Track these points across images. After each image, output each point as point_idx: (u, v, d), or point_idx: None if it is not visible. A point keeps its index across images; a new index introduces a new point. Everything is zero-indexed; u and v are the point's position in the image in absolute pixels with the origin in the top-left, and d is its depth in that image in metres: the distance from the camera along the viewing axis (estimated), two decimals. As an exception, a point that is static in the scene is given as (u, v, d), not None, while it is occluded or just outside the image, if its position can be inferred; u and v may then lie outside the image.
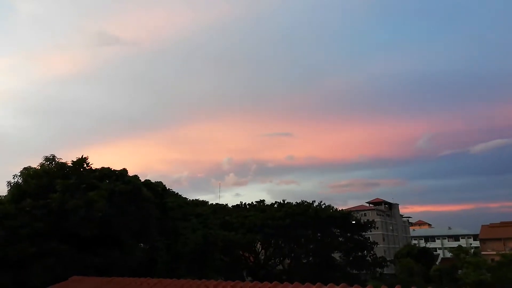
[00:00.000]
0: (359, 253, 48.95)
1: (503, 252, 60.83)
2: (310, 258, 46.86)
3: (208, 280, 11.37)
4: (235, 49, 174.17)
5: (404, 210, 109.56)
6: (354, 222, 51.01)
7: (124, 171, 23.02)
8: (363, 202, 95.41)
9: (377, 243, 54.76)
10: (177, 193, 31.42)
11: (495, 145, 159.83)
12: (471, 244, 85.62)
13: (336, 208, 50.93)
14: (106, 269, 17.58)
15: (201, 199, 42.98)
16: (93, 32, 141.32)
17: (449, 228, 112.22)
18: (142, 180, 24.55)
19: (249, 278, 42.11)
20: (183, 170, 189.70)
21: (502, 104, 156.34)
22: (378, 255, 54.06)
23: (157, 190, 25.88)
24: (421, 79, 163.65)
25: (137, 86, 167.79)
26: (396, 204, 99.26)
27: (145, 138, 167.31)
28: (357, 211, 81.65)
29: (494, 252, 65.12)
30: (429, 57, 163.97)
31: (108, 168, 22.96)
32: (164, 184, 28.13)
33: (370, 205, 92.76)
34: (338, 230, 49.58)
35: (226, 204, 50.98)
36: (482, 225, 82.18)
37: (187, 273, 21.83)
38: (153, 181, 26.83)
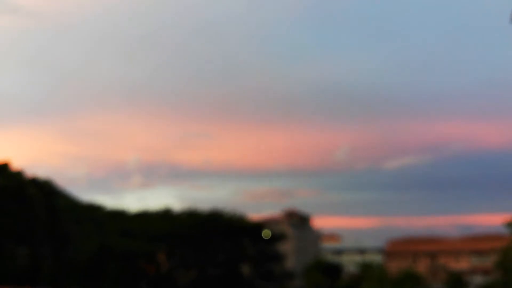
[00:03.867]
0: (268, 266, 50.92)
1: (405, 266, 68.03)
2: (217, 270, 47.55)
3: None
4: (155, 37, 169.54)
5: (317, 221, 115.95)
6: (266, 233, 52.95)
7: (6, 164, 21.50)
8: (277, 211, 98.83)
9: (287, 255, 57.55)
10: (70, 194, 29.95)
11: (405, 162, 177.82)
12: (376, 258, 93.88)
13: (249, 219, 52.47)
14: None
15: (99, 202, 41.19)
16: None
17: (357, 242, 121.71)
18: (29, 174, 23.16)
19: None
20: (80, 167, 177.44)
21: (413, 123, 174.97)
22: (288, 267, 56.83)
23: (46, 188, 24.48)
24: (342, 92, 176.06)
25: (32, 63, 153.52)
26: (309, 215, 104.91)
27: (37, 126, 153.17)
28: (270, 221, 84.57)
29: (396, 266, 72.44)
30: (352, 70, 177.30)
31: (-13, 160, 21.24)
32: (55, 182, 26.71)
33: (284, 215, 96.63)
34: (249, 241, 51.08)
35: (127, 209, 49.49)
36: (387, 240, 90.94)
37: (78, 284, 21.02)
38: (42, 177, 25.35)
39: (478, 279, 70.70)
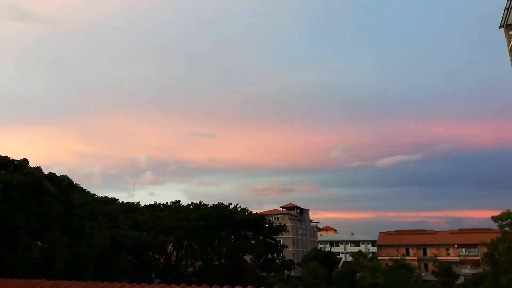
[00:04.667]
0: (270, 256, 50.60)
1: (395, 257, 67.75)
2: (222, 260, 47.21)
3: (111, 283, 10.88)
4: (162, 43, 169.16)
5: (314, 215, 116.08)
6: (267, 225, 52.62)
7: (25, 161, 20.99)
8: (277, 206, 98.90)
9: (286, 246, 57.14)
10: (85, 189, 29.44)
11: (396, 160, 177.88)
12: (369, 249, 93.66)
13: (251, 211, 52.06)
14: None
15: (112, 197, 40.66)
16: (2, 5, 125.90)
17: (352, 234, 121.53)
18: (46, 172, 22.59)
19: (157, 280, 41.04)
20: (94, 165, 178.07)
21: (404, 123, 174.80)
22: (287, 258, 56.46)
23: (62, 184, 23.96)
24: (338, 94, 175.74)
25: (48, 67, 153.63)
26: (307, 209, 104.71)
27: (53, 126, 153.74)
28: (271, 214, 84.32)
29: (388, 257, 72.19)
30: (347, 75, 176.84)
31: (5, 156, 20.73)
32: (71, 178, 26.20)
33: (283, 209, 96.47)
34: (251, 233, 50.72)
35: (138, 203, 49.03)
36: (380, 232, 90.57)
37: (91, 275, 20.54)
38: (58, 174, 24.83)
39: (467, 271, 70.37)
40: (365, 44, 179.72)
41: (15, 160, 20.78)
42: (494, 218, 47.20)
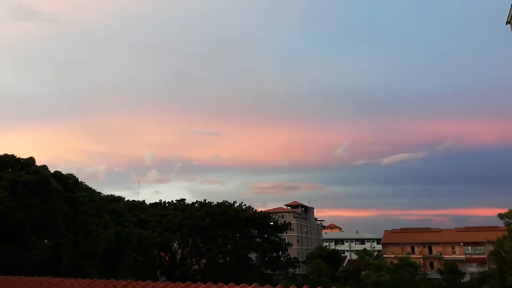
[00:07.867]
0: (274, 254, 50.64)
1: (400, 255, 67.58)
2: (227, 258, 47.34)
3: (116, 280, 10.97)
4: (167, 42, 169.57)
5: (318, 213, 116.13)
6: (272, 223, 52.65)
7: (31, 160, 21.19)
8: (282, 204, 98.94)
9: (291, 244, 57.14)
10: (91, 187, 29.67)
11: (401, 158, 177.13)
12: (374, 247, 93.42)
13: (255, 209, 52.09)
14: (2, 266, 15.98)
15: (117, 195, 40.87)
16: (7, 4, 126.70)
17: (357, 232, 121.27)
18: (52, 171, 22.81)
19: (163, 278, 41.29)
20: (100, 163, 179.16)
21: (409, 121, 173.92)
22: (292, 256, 56.48)
23: (67, 182, 24.19)
24: (343, 92, 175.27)
25: (53, 67, 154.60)
26: (312, 207, 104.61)
27: (58, 125, 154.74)
28: (275, 212, 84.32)
29: (393, 255, 72.02)
30: (351, 72, 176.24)
31: (12, 155, 20.94)
32: (76, 176, 26.45)
33: (288, 207, 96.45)
34: (256, 231, 50.78)
35: (144, 201, 49.25)
36: (385, 231, 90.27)
37: (97, 272, 20.72)
38: (64, 172, 25.08)
39: (472, 269, 70.00)
40: (370, 42, 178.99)
41: (22, 158, 21.00)
42: (501, 216, 46.92)
